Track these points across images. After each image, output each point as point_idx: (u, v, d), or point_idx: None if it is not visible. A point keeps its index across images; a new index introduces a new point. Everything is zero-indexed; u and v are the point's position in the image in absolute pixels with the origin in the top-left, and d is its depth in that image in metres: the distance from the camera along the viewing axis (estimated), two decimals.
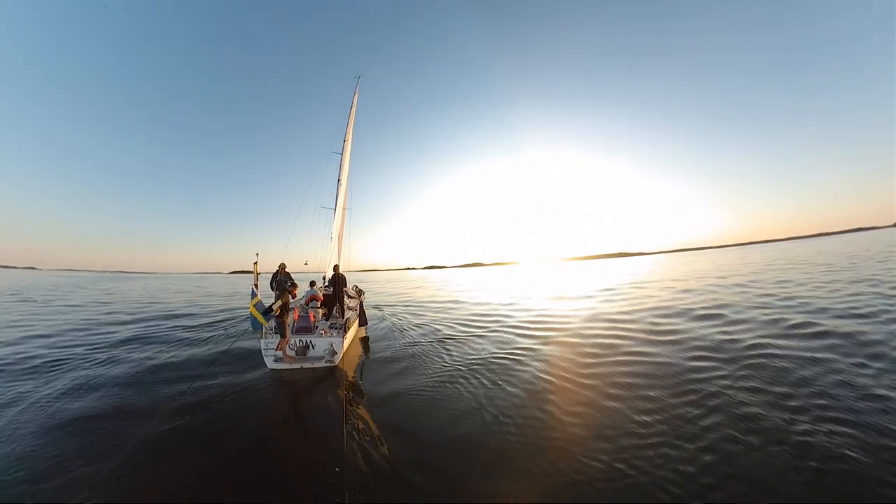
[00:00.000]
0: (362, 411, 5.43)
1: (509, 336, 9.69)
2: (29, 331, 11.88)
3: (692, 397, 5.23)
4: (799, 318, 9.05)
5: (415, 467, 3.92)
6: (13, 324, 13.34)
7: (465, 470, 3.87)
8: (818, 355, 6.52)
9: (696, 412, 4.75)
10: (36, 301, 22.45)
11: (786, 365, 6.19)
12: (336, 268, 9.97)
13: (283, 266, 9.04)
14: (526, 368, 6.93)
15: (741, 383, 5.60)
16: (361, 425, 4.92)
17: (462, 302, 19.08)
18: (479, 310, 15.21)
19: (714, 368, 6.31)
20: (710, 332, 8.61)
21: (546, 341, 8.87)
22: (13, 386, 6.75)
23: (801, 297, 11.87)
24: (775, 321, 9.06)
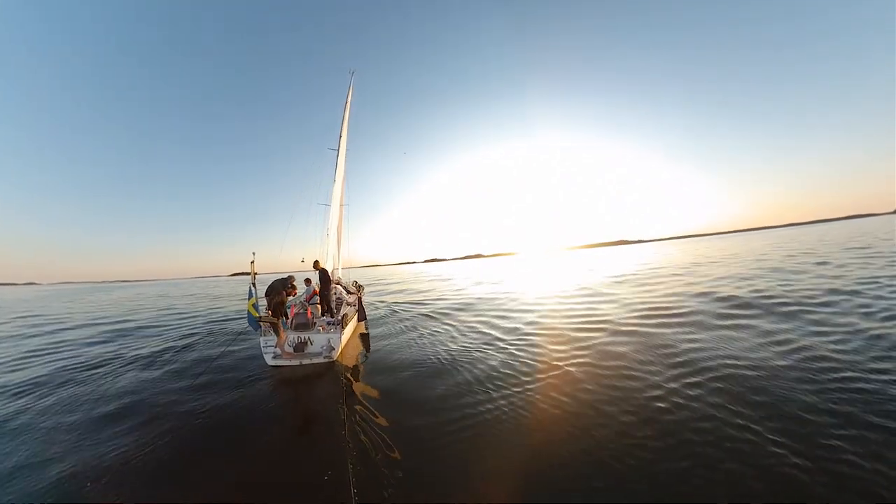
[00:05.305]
0: (361, 407, 5.42)
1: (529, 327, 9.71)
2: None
3: None
4: None
5: (416, 464, 3.87)
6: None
7: (470, 467, 3.83)
8: None
9: None
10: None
11: None
12: (316, 264, 9.46)
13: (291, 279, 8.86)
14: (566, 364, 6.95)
15: None
16: (361, 421, 4.91)
17: (464, 292, 19.07)
18: (490, 303, 15.15)
19: None
20: None
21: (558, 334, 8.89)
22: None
23: None
24: None
